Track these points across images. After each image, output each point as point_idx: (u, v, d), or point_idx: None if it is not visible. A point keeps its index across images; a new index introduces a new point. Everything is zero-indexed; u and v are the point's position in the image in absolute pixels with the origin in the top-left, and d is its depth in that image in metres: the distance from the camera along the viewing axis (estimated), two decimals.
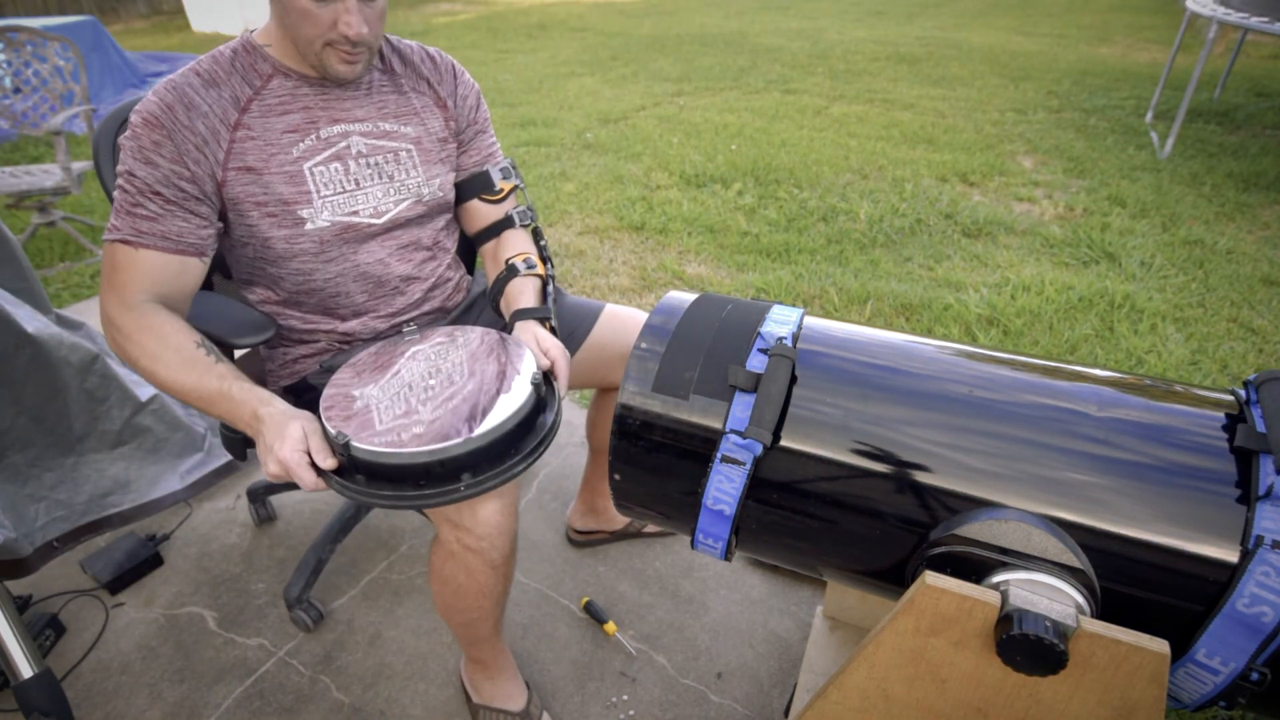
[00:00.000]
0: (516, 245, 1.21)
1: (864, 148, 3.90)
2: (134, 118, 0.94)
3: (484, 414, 0.87)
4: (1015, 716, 0.71)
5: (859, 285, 2.49)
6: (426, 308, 1.19)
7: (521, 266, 1.17)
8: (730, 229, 2.99)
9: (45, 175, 2.86)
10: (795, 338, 0.84)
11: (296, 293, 1.10)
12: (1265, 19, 3.32)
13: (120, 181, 0.94)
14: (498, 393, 0.91)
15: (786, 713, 1.22)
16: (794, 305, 0.97)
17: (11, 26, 2.94)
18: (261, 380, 1.21)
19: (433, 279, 1.19)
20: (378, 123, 1.07)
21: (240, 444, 1.22)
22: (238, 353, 1.22)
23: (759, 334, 0.83)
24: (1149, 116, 4.25)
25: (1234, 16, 3.41)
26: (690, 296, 0.93)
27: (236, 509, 1.69)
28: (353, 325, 1.14)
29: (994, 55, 6.08)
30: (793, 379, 0.80)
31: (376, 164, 1.07)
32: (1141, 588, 0.68)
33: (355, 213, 1.06)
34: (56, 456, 1.52)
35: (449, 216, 1.22)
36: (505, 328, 1.11)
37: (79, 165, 2.88)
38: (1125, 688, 0.64)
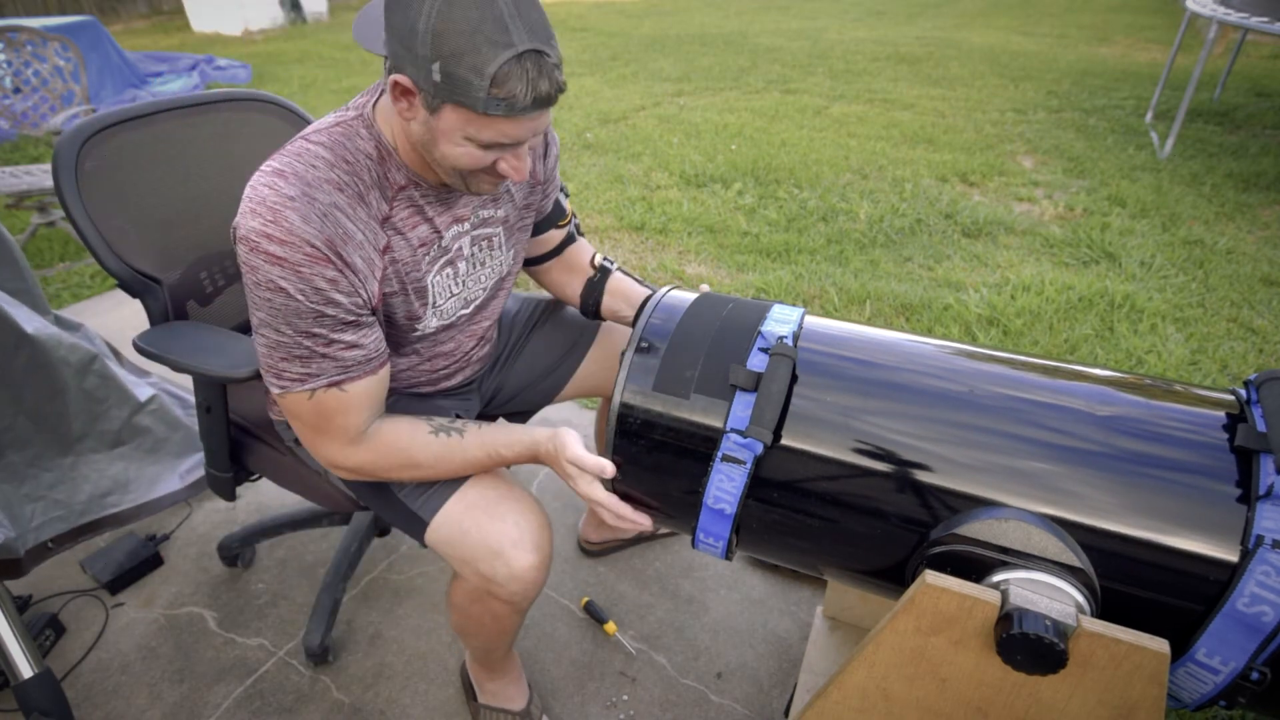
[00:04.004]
0: (587, 249, 1.21)
1: (864, 148, 3.90)
2: (292, 254, 0.76)
3: None
4: (1015, 716, 0.71)
5: (859, 285, 2.49)
6: (475, 363, 1.16)
7: (609, 264, 1.19)
8: (730, 229, 2.99)
9: (45, 175, 2.85)
10: (796, 337, 0.84)
11: None
12: (1265, 19, 3.32)
13: (304, 328, 0.80)
14: None
15: (786, 713, 1.21)
16: (794, 305, 0.97)
17: (11, 26, 2.94)
18: (261, 405, 1.19)
19: (489, 339, 1.15)
20: (478, 211, 0.97)
21: (229, 485, 1.20)
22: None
23: (760, 333, 0.83)
24: (1149, 116, 4.25)
25: (1234, 16, 3.41)
26: (690, 295, 0.93)
27: (236, 509, 1.69)
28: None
29: (994, 55, 6.08)
30: (793, 378, 0.80)
31: (475, 255, 1.00)
32: (1141, 587, 0.68)
33: (461, 309, 1.02)
34: (55, 456, 1.52)
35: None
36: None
37: None
38: (1125, 687, 0.64)
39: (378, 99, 0.87)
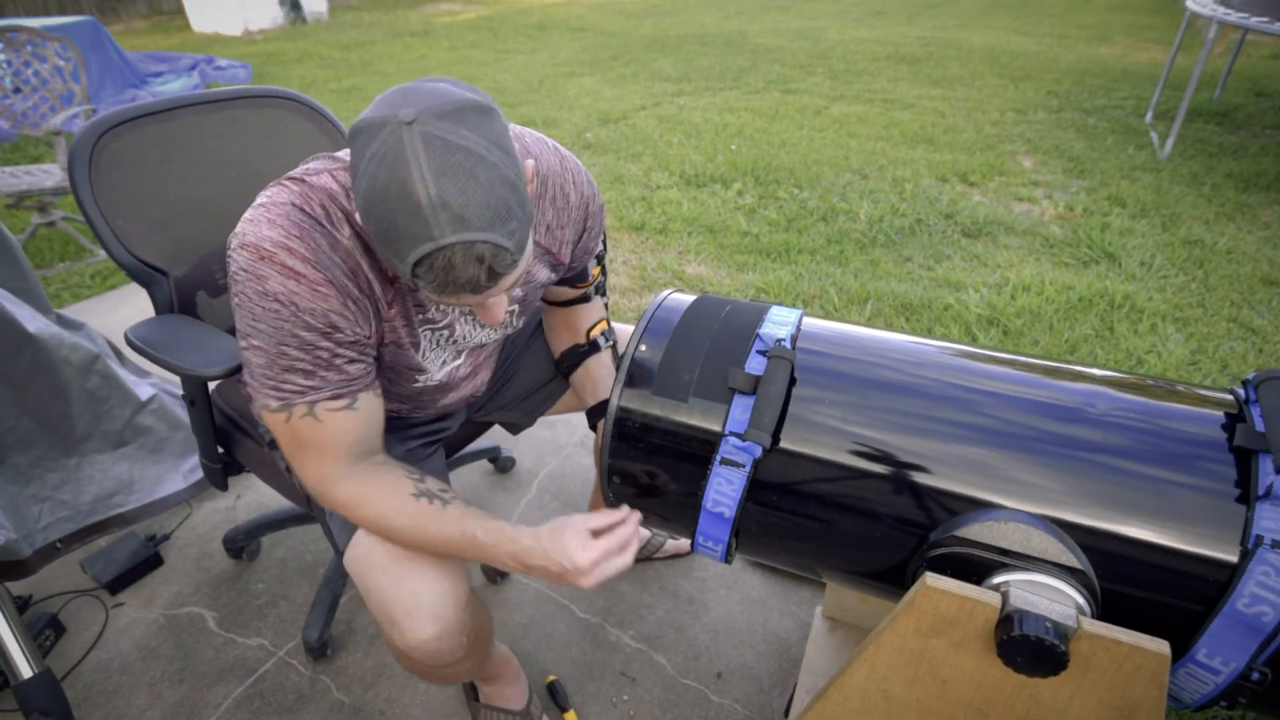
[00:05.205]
0: (594, 314, 1.15)
1: (864, 148, 3.89)
2: (311, 273, 0.75)
3: None
4: (1016, 717, 0.71)
5: (859, 285, 2.49)
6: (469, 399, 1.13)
7: (602, 341, 1.13)
8: (730, 229, 2.99)
9: (45, 175, 2.86)
10: (794, 339, 0.84)
11: None
12: (1265, 19, 3.32)
13: (303, 338, 0.76)
14: None
15: (786, 713, 1.22)
16: (794, 305, 0.97)
17: (11, 26, 2.94)
18: (245, 407, 1.19)
19: (486, 382, 1.13)
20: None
21: (220, 475, 1.20)
22: (212, 384, 1.21)
23: (758, 336, 0.83)
24: (1149, 116, 4.25)
25: (1234, 16, 3.41)
26: (689, 298, 0.93)
27: (236, 509, 1.69)
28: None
29: (994, 55, 6.07)
30: (792, 380, 0.80)
31: (473, 330, 0.98)
32: (1142, 588, 0.68)
33: (457, 355, 0.99)
34: (59, 457, 1.52)
35: None
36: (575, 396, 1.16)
37: None
38: (1126, 688, 0.64)
39: None
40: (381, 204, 0.63)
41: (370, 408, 0.85)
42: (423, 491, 0.85)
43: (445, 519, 0.84)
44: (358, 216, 0.68)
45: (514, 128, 0.92)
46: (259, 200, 0.78)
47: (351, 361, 0.81)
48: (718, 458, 0.79)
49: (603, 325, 1.16)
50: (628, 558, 0.82)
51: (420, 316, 0.89)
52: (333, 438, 0.82)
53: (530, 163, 0.75)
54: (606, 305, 1.20)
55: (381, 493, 0.84)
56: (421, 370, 0.95)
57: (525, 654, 1.35)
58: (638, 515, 0.86)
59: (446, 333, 0.94)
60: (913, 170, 3.56)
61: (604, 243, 1.14)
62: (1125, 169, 3.50)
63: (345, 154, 0.82)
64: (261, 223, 0.75)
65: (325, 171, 0.79)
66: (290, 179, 0.79)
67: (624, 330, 1.25)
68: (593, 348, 1.15)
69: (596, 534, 0.82)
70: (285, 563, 1.55)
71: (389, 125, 0.62)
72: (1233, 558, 0.65)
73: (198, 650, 1.37)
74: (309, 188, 0.77)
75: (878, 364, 0.81)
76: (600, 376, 1.15)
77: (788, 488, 0.79)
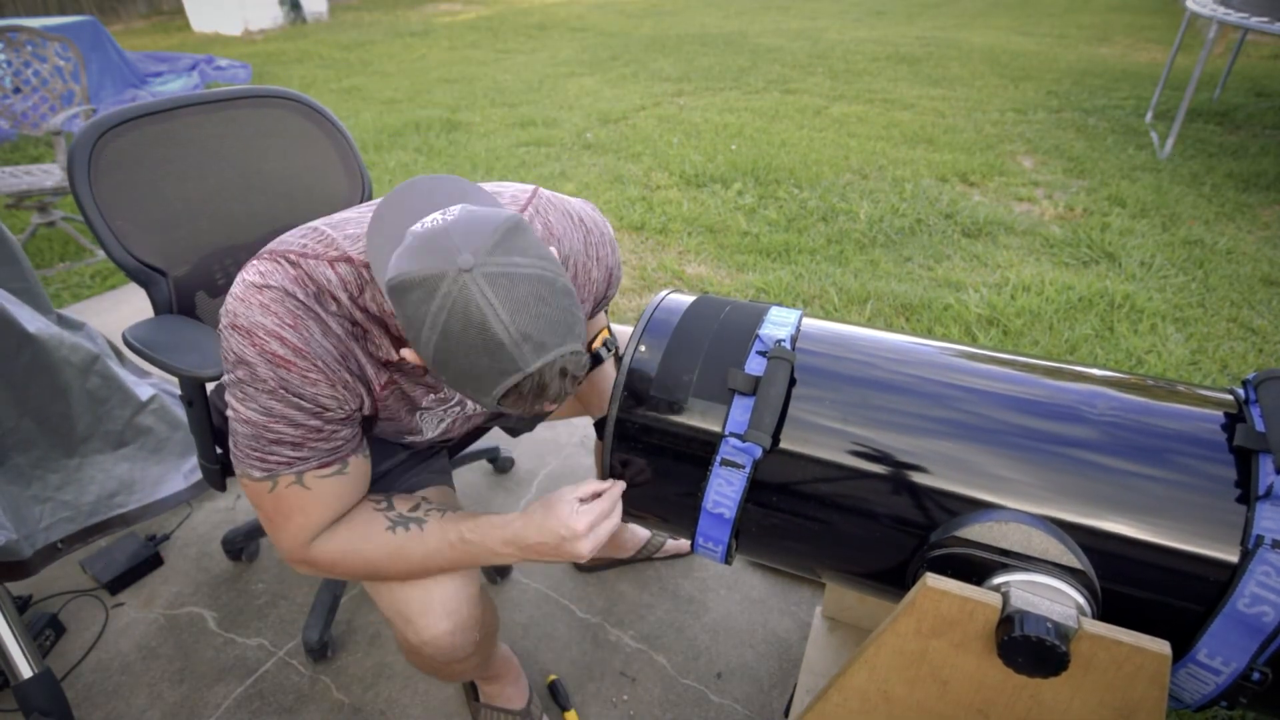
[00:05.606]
0: (595, 326, 1.14)
1: (864, 148, 3.89)
2: (301, 362, 0.75)
3: None
4: (1016, 718, 0.71)
5: (859, 285, 2.49)
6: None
7: (604, 353, 1.13)
8: (730, 229, 2.99)
9: (45, 175, 2.86)
10: (794, 340, 0.84)
11: None
12: (1265, 19, 3.32)
13: (293, 417, 0.76)
14: None
15: (786, 713, 1.21)
16: (794, 305, 0.97)
17: (11, 26, 2.94)
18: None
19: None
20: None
21: (218, 474, 1.20)
22: (210, 385, 1.21)
23: (757, 336, 0.83)
24: (1149, 116, 4.25)
25: (1234, 16, 3.41)
26: (688, 298, 0.93)
27: (236, 509, 1.69)
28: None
29: (994, 55, 6.07)
30: (792, 381, 0.80)
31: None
32: (1142, 588, 0.68)
33: (451, 418, 0.99)
34: (60, 458, 1.52)
35: None
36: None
37: None
38: (1126, 689, 0.64)
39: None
40: (462, 351, 0.63)
41: (359, 470, 0.85)
42: (396, 521, 0.86)
43: (426, 536, 0.84)
44: (429, 367, 0.67)
45: (540, 197, 0.91)
46: (251, 277, 0.76)
47: (338, 432, 0.81)
48: (718, 459, 0.79)
49: (604, 335, 1.16)
50: (616, 519, 0.85)
51: (432, 397, 0.90)
52: (320, 503, 0.82)
53: (552, 250, 0.73)
54: (606, 313, 1.20)
55: (359, 539, 0.84)
56: (416, 432, 0.96)
57: (525, 654, 1.35)
58: (621, 483, 0.87)
59: (455, 398, 0.94)
60: (913, 170, 3.56)
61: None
62: (1125, 169, 3.50)
63: (336, 232, 0.79)
64: (255, 306, 0.74)
65: (324, 260, 0.77)
66: (285, 258, 0.77)
67: (624, 331, 1.25)
68: (595, 360, 1.15)
69: (584, 502, 0.84)
70: (284, 563, 1.55)
71: (448, 277, 0.61)
72: (1233, 558, 0.65)
73: (198, 650, 1.37)
74: (305, 274, 0.76)
75: (877, 365, 0.81)
76: (605, 388, 1.15)
77: (788, 489, 0.79)
